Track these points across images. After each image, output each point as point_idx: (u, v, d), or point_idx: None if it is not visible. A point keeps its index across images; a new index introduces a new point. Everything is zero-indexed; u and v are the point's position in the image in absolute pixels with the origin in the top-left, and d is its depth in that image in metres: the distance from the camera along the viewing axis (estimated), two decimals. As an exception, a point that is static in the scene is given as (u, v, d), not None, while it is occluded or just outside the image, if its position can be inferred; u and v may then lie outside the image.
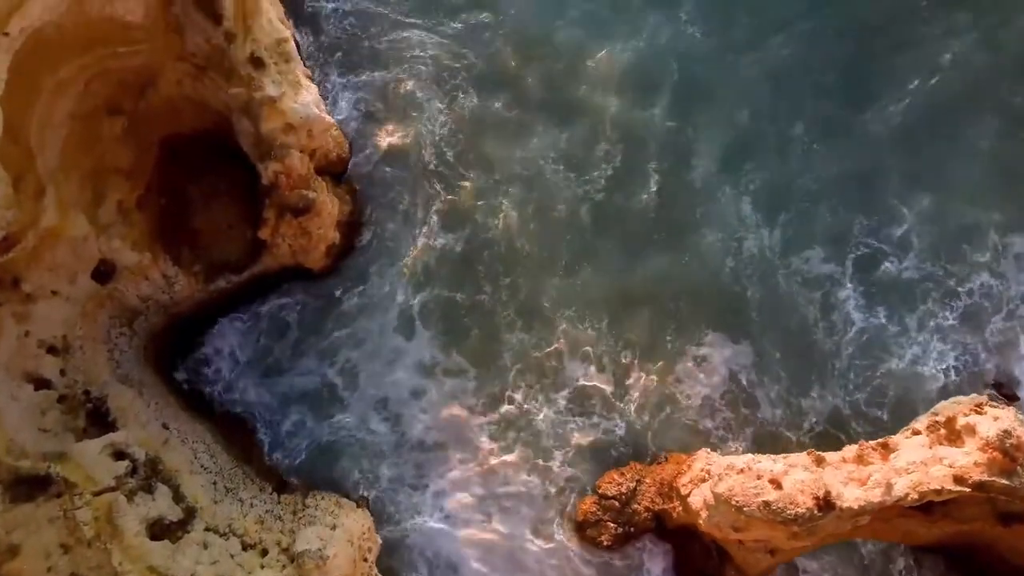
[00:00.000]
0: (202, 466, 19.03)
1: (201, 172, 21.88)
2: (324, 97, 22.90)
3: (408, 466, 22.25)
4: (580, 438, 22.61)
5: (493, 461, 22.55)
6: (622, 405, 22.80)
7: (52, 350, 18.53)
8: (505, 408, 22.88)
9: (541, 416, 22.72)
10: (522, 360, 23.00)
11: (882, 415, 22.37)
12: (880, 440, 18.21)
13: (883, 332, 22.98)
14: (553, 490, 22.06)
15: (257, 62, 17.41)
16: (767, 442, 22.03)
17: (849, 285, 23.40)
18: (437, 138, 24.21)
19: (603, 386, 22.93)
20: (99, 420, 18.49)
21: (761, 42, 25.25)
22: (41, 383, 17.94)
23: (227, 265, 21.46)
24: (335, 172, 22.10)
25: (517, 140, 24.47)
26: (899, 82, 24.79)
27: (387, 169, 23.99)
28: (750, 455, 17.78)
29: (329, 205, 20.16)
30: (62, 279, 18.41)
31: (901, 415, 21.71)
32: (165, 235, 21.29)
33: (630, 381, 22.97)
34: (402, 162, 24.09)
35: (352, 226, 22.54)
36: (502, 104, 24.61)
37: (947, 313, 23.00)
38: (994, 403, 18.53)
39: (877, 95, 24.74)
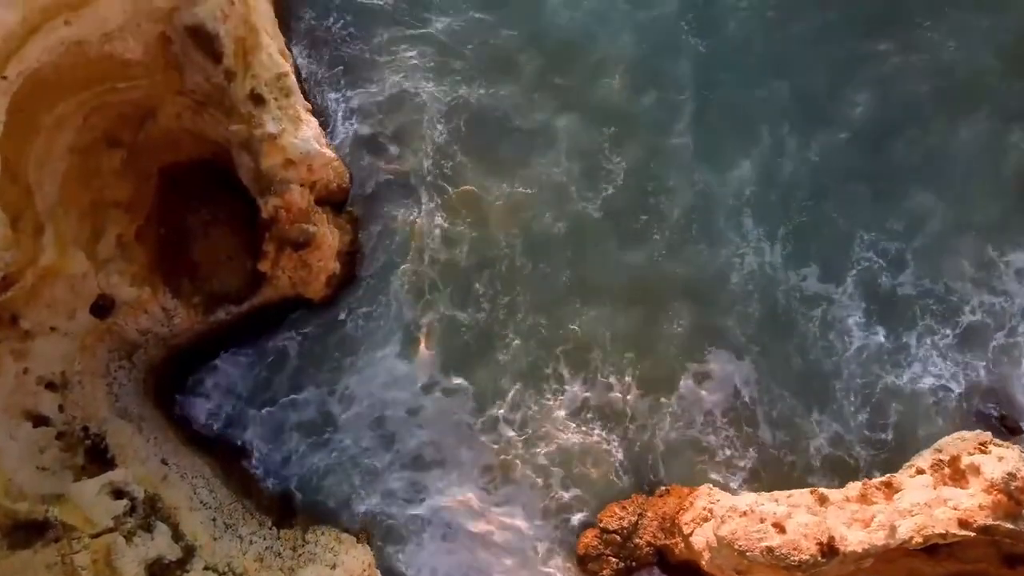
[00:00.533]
0: (201, 502, 18.93)
1: (201, 201, 21.77)
2: (322, 117, 22.85)
3: (404, 487, 22.13)
4: (581, 457, 22.49)
5: (492, 482, 22.43)
6: (623, 423, 22.65)
7: (50, 386, 18.45)
8: (503, 428, 22.72)
9: (541, 435, 22.56)
10: (522, 379, 22.84)
11: (885, 436, 22.04)
12: (883, 479, 18.07)
13: (883, 350, 22.72)
14: (553, 509, 21.87)
15: (257, 99, 17.29)
16: (770, 463, 21.85)
17: (849, 302, 23.14)
18: (438, 157, 24.01)
19: (604, 404, 22.73)
20: (98, 457, 18.41)
21: (761, 53, 24.98)
22: (40, 420, 17.87)
23: (227, 296, 21.35)
24: (336, 202, 21.96)
25: (518, 157, 24.26)
26: (899, 94, 24.44)
27: (387, 190, 23.75)
28: (753, 496, 17.65)
29: (329, 237, 20.05)
30: (61, 315, 18.32)
31: (903, 435, 21.54)
32: (164, 266, 21.20)
33: (631, 399, 22.79)
34: (402, 182, 23.83)
35: (353, 255, 22.43)
36: (503, 121, 24.41)
37: (948, 330, 22.76)
38: (998, 441, 18.41)
39: (877, 109, 24.34)
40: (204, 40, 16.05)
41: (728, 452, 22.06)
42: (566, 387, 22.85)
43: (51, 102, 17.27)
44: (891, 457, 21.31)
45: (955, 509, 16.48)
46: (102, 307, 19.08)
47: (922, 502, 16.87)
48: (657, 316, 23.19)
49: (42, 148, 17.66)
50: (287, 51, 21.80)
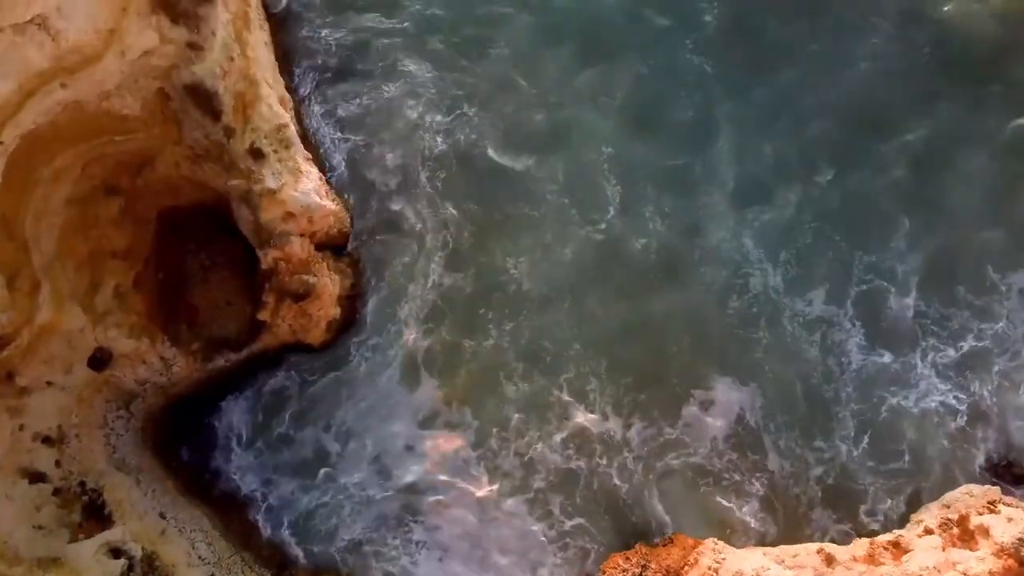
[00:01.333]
0: (200, 557, 18.72)
1: (200, 245, 21.58)
2: (321, 149, 22.71)
3: (402, 519, 21.81)
4: (584, 489, 22.23)
5: (492, 514, 22.21)
6: (626, 453, 22.37)
7: (47, 440, 18.26)
8: (504, 460, 22.49)
9: (542, 465, 22.31)
10: (524, 408, 22.50)
11: (892, 462, 21.77)
12: (891, 538, 17.82)
13: (886, 375, 22.35)
14: (554, 537, 21.53)
15: (256, 153, 17.06)
16: (778, 492, 21.50)
17: (850, 326, 22.84)
18: (439, 188, 23.79)
19: (607, 434, 22.37)
20: (95, 512, 18.19)
21: (767, 78, 24.70)
22: (36, 477, 17.67)
23: (226, 342, 21.14)
24: (336, 245, 21.71)
25: (518, 181, 24.00)
26: (903, 117, 24.19)
27: (389, 225, 23.56)
28: (759, 558, 17.39)
29: (330, 286, 19.83)
30: (57, 370, 18.11)
31: (910, 459, 21.26)
32: (162, 312, 21.00)
33: (635, 428, 22.50)
34: (403, 216, 23.64)
35: (354, 299, 22.16)
36: (503, 145, 24.19)
37: (951, 354, 22.46)
38: (1007, 500, 18.16)
39: (880, 129, 24.09)
40: (203, 98, 15.80)
41: (733, 481, 21.66)
42: (569, 417, 22.46)
43: (49, 156, 17.05)
44: (899, 484, 21.12)
45: (964, 574, 16.23)
46: (99, 360, 18.86)
47: (931, 565, 16.62)
48: (661, 342, 22.74)
49: (40, 202, 17.44)
50: (287, 95, 21.57)
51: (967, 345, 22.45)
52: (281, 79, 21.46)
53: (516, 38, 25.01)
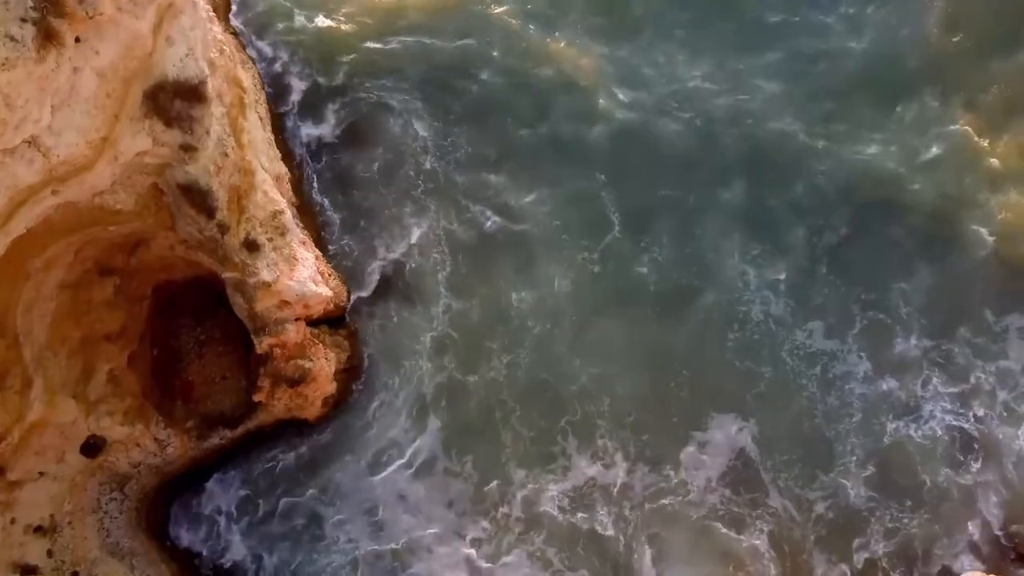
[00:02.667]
0: (194, 645, 18.50)
1: (195, 320, 21.40)
2: (319, 216, 22.55)
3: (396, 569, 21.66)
4: (584, 538, 22.03)
5: (489, 569, 22.00)
6: (627, 503, 22.10)
7: (39, 530, 18.04)
8: (503, 511, 22.29)
9: (543, 518, 22.11)
10: (525, 456, 22.27)
11: (894, 503, 21.54)
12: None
13: (888, 410, 22.27)
14: None
15: (251, 245, 16.85)
16: (782, 533, 21.32)
17: (851, 360, 22.66)
18: (441, 248, 23.67)
19: (609, 482, 22.12)
20: (88, 603, 17.97)
21: (760, 107, 24.48)
22: (28, 570, 17.48)
23: (222, 418, 20.97)
24: (333, 318, 21.53)
25: (513, 209, 23.88)
26: (902, 147, 24.00)
27: (388, 288, 23.43)
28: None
29: (327, 367, 19.64)
30: (49, 460, 17.92)
31: (914, 494, 21.31)
32: (157, 389, 20.85)
33: (638, 475, 22.20)
34: (403, 278, 23.52)
35: (351, 371, 21.98)
36: (499, 177, 24.02)
37: (952, 390, 22.27)
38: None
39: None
40: (197, 197, 15.59)
41: (735, 523, 21.46)
42: (570, 465, 22.24)
43: (41, 248, 16.80)
44: (904, 524, 21.10)
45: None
46: (93, 446, 18.67)
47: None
48: (662, 377, 22.52)
49: (31, 292, 17.22)
50: (284, 169, 21.39)
51: (971, 381, 22.37)
52: (277, 151, 21.30)
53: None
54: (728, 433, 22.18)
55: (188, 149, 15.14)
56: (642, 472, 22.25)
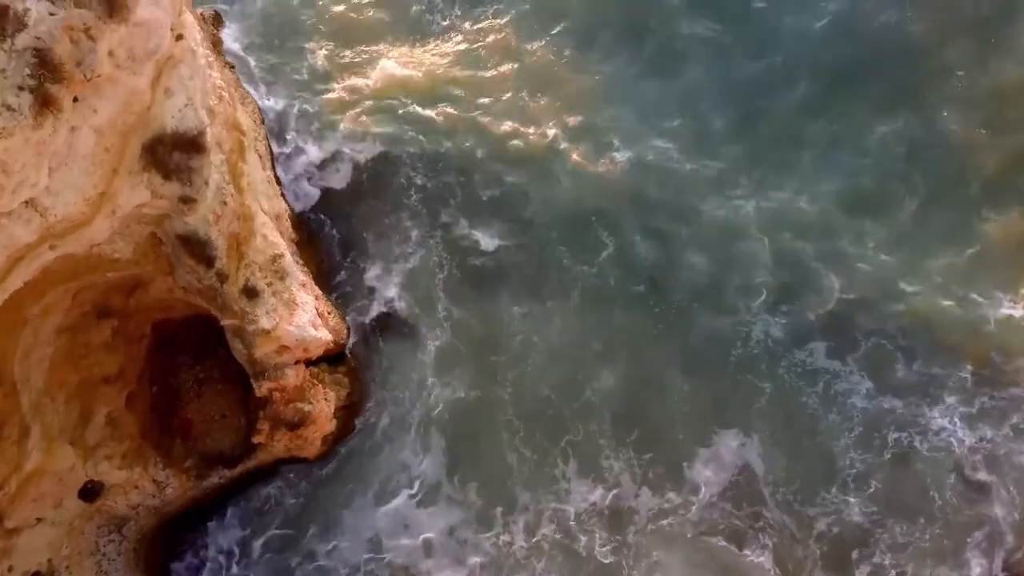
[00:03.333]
0: None
1: (194, 358, 21.29)
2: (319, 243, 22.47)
3: None
4: (586, 565, 21.91)
5: None
6: (631, 527, 21.94)
7: (37, 575, 17.88)
8: (505, 537, 22.13)
9: (547, 542, 21.92)
10: (527, 481, 22.17)
11: (897, 520, 21.49)
12: None
13: (891, 428, 22.17)
14: None
15: (250, 292, 16.73)
16: (784, 547, 21.26)
17: (853, 379, 22.55)
18: (439, 286, 23.60)
19: (612, 502, 22.04)
20: (86, 650, 17.85)
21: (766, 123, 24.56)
22: (26, 616, 17.30)
23: (221, 457, 20.85)
24: (332, 355, 21.42)
25: (509, 229, 23.84)
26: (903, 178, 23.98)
27: (387, 322, 23.36)
28: None
29: (326, 408, 19.55)
30: (47, 506, 17.79)
31: (913, 513, 21.26)
32: (156, 427, 20.74)
33: (641, 498, 22.09)
34: (402, 313, 23.45)
35: (351, 408, 21.88)
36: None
37: (957, 420, 22.16)
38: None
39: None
40: (196, 247, 15.48)
41: (738, 540, 21.38)
42: (571, 486, 22.14)
43: (38, 296, 16.64)
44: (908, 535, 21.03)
45: None
46: (91, 490, 18.56)
47: None
48: (664, 395, 22.50)
49: (29, 338, 17.08)
50: (284, 206, 21.29)
51: (976, 406, 22.26)
52: (276, 187, 21.19)
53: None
54: (731, 448, 22.17)
55: (187, 201, 15.02)
56: (645, 493, 22.16)
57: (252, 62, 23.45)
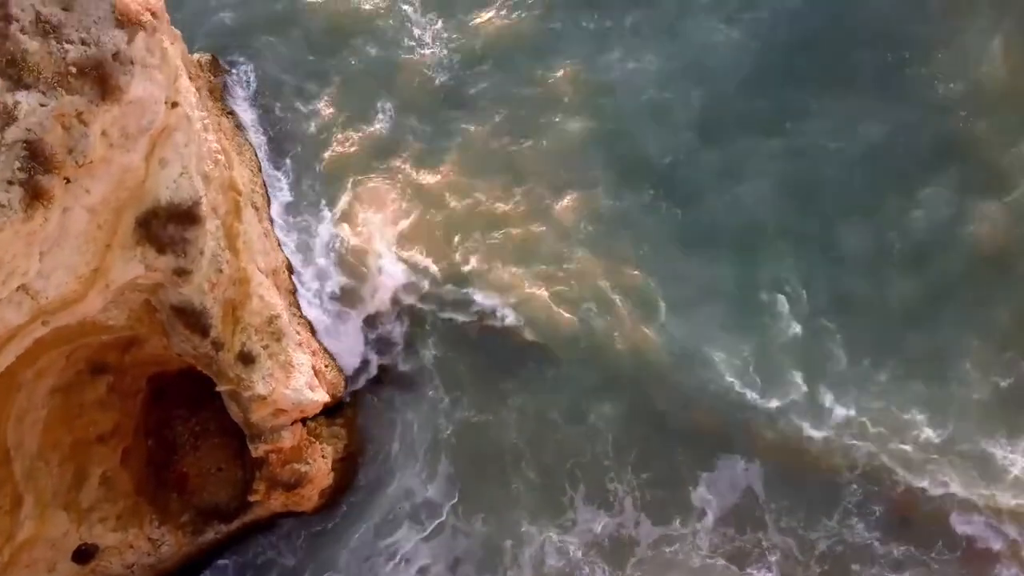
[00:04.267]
0: None
1: (190, 410, 21.11)
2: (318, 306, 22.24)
3: None
4: None
5: None
6: (636, 552, 21.62)
7: (30, 639, 17.67)
8: (511, 573, 21.83)
9: (548, 571, 21.62)
10: (534, 507, 21.95)
11: (900, 545, 21.14)
12: None
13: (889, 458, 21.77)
14: None
15: (246, 358, 16.52)
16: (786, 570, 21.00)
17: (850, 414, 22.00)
18: (436, 333, 23.34)
19: (616, 530, 21.75)
20: None
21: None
22: None
23: (217, 511, 20.67)
24: (330, 407, 21.20)
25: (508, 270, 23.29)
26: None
27: (385, 367, 23.16)
28: None
29: (324, 466, 19.34)
30: (40, 571, 17.62)
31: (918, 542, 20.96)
32: (151, 482, 20.53)
33: (644, 525, 21.79)
34: (399, 358, 23.23)
35: (349, 460, 21.67)
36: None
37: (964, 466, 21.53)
38: None
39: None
40: (191, 318, 15.29)
41: (739, 560, 21.10)
42: (578, 514, 21.88)
43: (31, 361, 16.46)
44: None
45: None
46: (85, 553, 18.38)
47: None
48: (663, 426, 22.14)
49: (23, 402, 16.89)
50: (281, 256, 21.10)
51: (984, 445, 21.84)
52: (273, 241, 21.00)
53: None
54: (734, 472, 21.87)
55: (182, 273, 14.84)
56: (647, 522, 21.92)
57: (254, 116, 23.21)
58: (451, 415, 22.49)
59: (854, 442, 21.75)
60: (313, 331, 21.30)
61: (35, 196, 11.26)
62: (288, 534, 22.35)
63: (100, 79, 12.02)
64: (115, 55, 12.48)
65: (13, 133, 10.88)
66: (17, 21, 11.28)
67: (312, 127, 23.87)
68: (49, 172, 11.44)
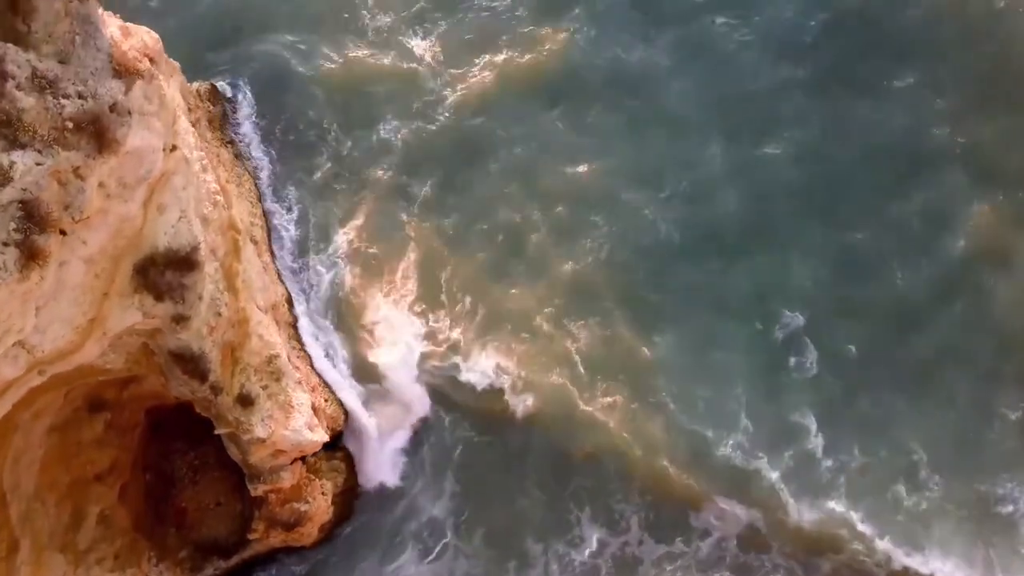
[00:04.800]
0: None
1: (189, 444, 20.95)
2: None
3: None
4: None
5: None
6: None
7: None
8: None
9: None
10: (539, 527, 21.91)
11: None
12: None
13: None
14: None
15: (245, 400, 16.37)
16: None
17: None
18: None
19: (621, 552, 21.75)
20: None
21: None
22: None
23: (216, 546, 20.56)
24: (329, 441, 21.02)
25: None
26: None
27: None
28: None
29: (323, 503, 19.19)
30: (37, 613, 17.36)
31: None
32: (150, 516, 20.40)
33: (647, 545, 21.78)
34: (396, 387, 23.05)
35: (348, 492, 21.51)
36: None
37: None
38: None
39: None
40: (189, 363, 15.12)
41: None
42: (583, 535, 21.83)
43: (28, 404, 16.29)
44: None
45: None
46: (82, 593, 18.14)
47: None
48: (666, 444, 22.05)
49: (19, 443, 16.72)
50: (281, 288, 20.93)
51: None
52: (273, 274, 20.83)
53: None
54: (732, 511, 21.69)
55: (180, 319, 14.67)
56: (650, 542, 21.78)
57: (255, 143, 23.02)
58: (455, 435, 22.37)
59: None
60: (312, 364, 21.11)
61: (31, 257, 11.08)
62: (290, 567, 22.22)
63: (97, 133, 11.84)
64: (112, 107, 12.30)
65: (8, 194, 10.69)
66: (13, 78, 11.06)
67: (313, 154, 23.74)
68: (45, 231, 11.24)
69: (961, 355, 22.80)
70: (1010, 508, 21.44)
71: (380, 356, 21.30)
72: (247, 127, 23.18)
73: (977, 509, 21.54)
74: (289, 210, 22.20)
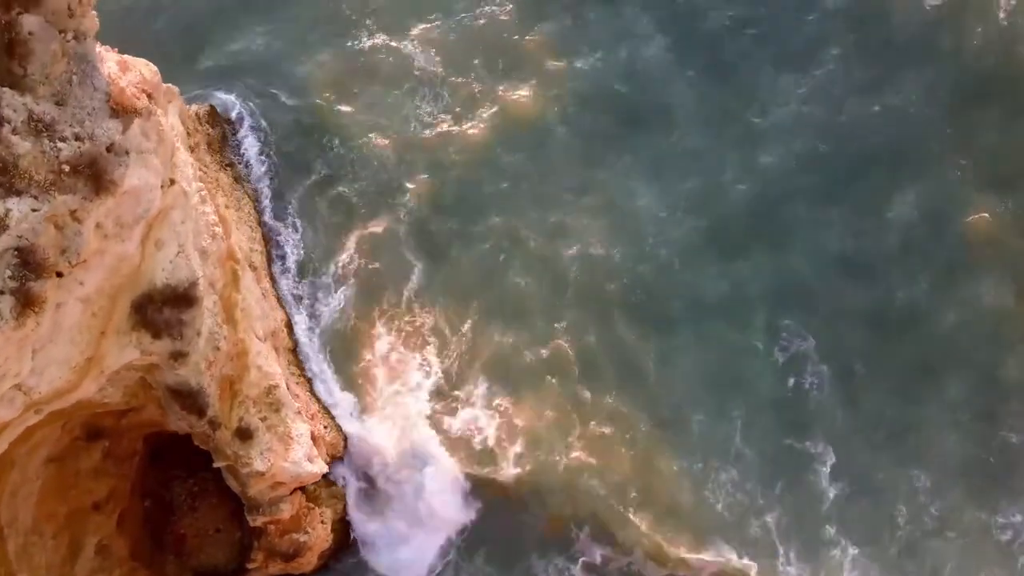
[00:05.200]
0: None
1: (187, 471, 20.82)
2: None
3: None
4: None
5: None
6: None
7: None
8: None
9: None
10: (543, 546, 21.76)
11: None
12: None
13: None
14: None
15: (244, 434, 16.24)
16: None
17: None
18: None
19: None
20: None
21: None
22: None
23: (215, 572, 20.51)
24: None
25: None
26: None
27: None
28: None
29: (323, 532, 19.07)
30: (34, 646, 17.23)
31: None
32: (148, 542, 20.27)
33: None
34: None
35: (347, 521, 21.36)
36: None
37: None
38: None
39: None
40: (187, 399, 14.99)
41: None
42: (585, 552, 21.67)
43: (26, 437, 16.15)
44: None
45: None
46: (80, 625, 18.01)
47: None
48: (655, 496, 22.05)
49: (16, 477, 16.58)
50: (280, 311, 20.79)
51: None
52: (272, 300, 20.69)
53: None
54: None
55: (178, 356, 14.52)
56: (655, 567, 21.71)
57: (255, 164, 22.85)
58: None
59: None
60: (312, 390, 20.97)
61: (27, 304, 10.93)
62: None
63: (94, 175, 11.68)
64: (109, 147, 12.14)
65: (4, 242, 10.54)
66: (9, 123, 10.91)
67: (314, 176, 23.59)
68: (41, 278, 11.09)
69: (962, 363, 22.66)
70: (1009, 535, 21.36)
71: (379, 382, 21.08)
72: (247, 147, 22.98)
73: (977, 535, 21.47)
74: (290, 232, 22.02)
